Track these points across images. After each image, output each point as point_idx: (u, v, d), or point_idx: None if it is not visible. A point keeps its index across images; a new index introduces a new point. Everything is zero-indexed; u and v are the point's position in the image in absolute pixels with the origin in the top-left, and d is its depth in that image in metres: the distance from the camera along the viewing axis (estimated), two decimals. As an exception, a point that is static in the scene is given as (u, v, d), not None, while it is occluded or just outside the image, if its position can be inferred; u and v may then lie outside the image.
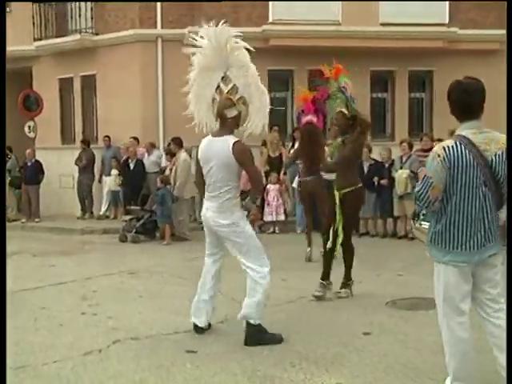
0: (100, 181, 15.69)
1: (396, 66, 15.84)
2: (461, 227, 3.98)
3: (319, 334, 5.70)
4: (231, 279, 8.14)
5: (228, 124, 5.63)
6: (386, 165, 12.01)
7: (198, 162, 5.93)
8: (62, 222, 14.74)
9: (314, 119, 9.28)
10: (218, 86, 5.92)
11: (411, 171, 11.02)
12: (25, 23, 16.56)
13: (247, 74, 6.00)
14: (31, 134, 15.79)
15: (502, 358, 3.93)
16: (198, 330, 5.82)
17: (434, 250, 4.10)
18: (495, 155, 3.91)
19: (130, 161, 14.07)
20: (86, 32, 16.11)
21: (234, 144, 5.45)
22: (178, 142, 12.32)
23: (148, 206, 12.48)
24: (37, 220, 14.99)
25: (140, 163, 14.02)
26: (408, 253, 9.76)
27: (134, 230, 11.98)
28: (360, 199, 7.31)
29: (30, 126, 15.77)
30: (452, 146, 3.91)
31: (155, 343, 5.56)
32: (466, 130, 3.97)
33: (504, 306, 4.00)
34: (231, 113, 5.60)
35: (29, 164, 15.15)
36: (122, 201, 14.48)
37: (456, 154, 3.89)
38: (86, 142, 15.68)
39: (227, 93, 5.76)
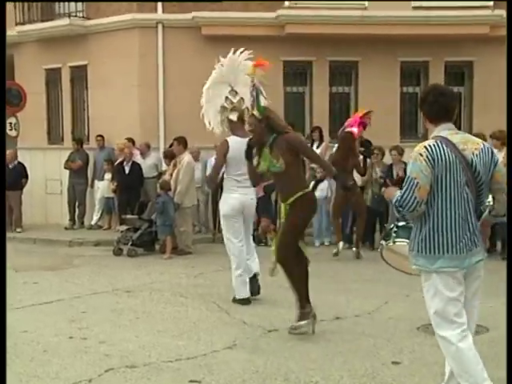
0: (92, 186, 15.76)
1: (430, 56, 15.81)
2: (448, 230, 4.25)
3: (341, 363, 5.69)
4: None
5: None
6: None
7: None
8: (47, 233, 14.83)
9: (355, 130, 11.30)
10: (227, 97, 8.19)
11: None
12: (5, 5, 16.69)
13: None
14: (13, 132, 15.85)
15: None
16: (246, 301, 7.99)
17: (422, 260, 4.32)
18: (473, 154, 4.29)
19: (125, 164, 14.11)
20: (75, 16, 16.18)
21: None
22: (182, 142, 12.33)
23: (146, 214, 12.52)
24: (18, 230, 15.09)
25: (137, 166, 14.06)
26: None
27: (131, 243, 12.01)
28: (310, 206, 6.83)
29: (11, 123, 15.83)
30: (434, 145, 4.26)
31: (154, 372, 5.56)
32: (443, 131, 4.36)
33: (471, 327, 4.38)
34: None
35: (10, 167, 15.20)
36: (117, 209, 14.53)
37: (439, 153, 4.23)
38: (78, 142, 15.76)
39: (236, 102, 8.13)
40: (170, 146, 13.17)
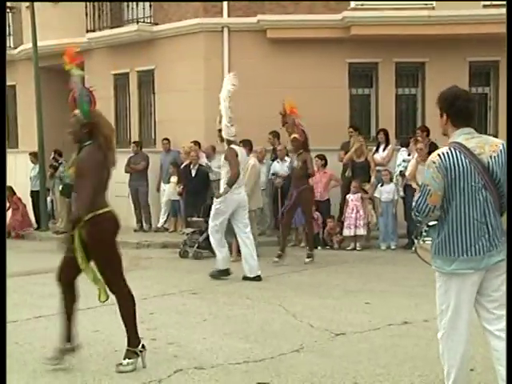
0: (158, 189, 15.94)
1: (500, 56, 15.46)
2: (464, 233, 4.39)
3: (411, 368, 5.61)
4: (307, 304, 8.22)
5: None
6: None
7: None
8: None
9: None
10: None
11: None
12: (76, 13, 17.03)
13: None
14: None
15: (503, 371, 4.34)
16: (259, 278, 9.84)
17: (439, 261, 4.49)
18: (491, 157, 4.39)
19: (191, 167, 14.21)
20: (143, 22, 16.44)
21: None
22: (247, 145, 12.39)
23: (212, 217, 12.57)
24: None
25: (203, 169, 14.14)
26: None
27: (197, 245, 12.11)
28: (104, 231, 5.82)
29: (80, 128, 16.11)
30: (447, 153, 4.39)
31: (222, 374, 5.60)
32: (460, 136, 4.47)
33: (504, 314, 4.40)
34: None
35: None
36: (183, 212, 14.65)
37: (452, 160, 4.36)
38: (138, 144, 15.95)
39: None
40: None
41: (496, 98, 15.94)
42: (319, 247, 13.17)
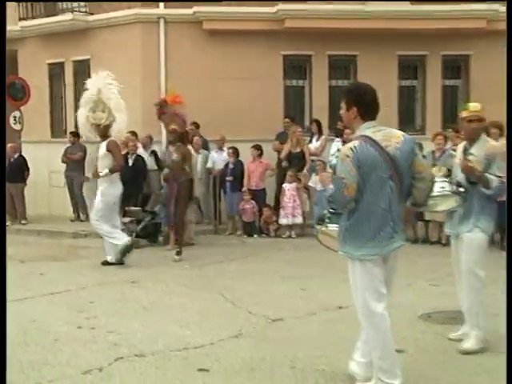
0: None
1: (427, 50, 15.79)
2: (372, 221, 4.58)
3: (345, 350, 5.66)
4: (245, 290, 8.25)
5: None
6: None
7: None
8: (52, 225, 14.82)
9: None
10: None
11: (448, 169, 10.97)
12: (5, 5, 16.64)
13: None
14: (17, 126, 15.87)
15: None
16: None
17: (348, 247, 4.69)
18: (396, 149, 4.57)
19: (129, 156, 14.07)
20: (78, 11, 16.16)
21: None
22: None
23: (149, 206, 12.52)
24: (23, 222, 15.08)
25: (141, 159, 14.01)
26: (442, 260, 9.72)
27: (135, 234, 12.00)
28: None
29: (15, 117, 15.85)
30: (358, 146, 4.53)
31: (162, 360, 5.58)
32: (367, 129, 4.64)
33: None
34: None
35: (11, 160, 15.20)
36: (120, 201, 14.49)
37: (363, 153, 4.50)
38: (75, 135, 15.70)
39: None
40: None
41: (423, 91, 16.24)
42: (255, 235, 13.24)
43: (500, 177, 5.67)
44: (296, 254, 11.29)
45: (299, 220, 13.09)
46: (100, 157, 10.36)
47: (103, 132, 10.44)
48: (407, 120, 16.03)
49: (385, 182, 4.54)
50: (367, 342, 4.83)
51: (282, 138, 14.09)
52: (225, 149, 14.06)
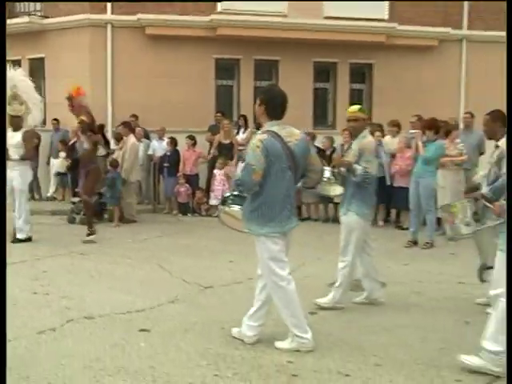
0: (48, 163, 15.43)
1: (338, 58, 16.03)
2: (275, 204, 4.75)
3: (266, 314, 5.76)
4: (180, 262, 8.25)
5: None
6: (328, 152, 12.22)
7: None
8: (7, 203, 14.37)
9: None
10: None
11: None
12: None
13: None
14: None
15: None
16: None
17: (254, 226, 4.81)
18: (295, 145, 4.76)
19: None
20: (34, 15, 15.69)
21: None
22: (127, 126, 12.24)
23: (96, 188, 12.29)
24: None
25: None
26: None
27: (83, 212, 11.81)
28: None
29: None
30: (267, 139, 4.68)
31: (109, 322, 5.55)
32: (274, 126, 4.77)
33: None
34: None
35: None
36: (70, 183, 14.26)
37: (270, 145, 4.65)
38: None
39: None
40: (117, 127, 13.02)
41: (334, 93, 16.47)
42: (189, 214, 13.22)
43: (366, 167, 5.82)
44: (224, 231, 11.22)
45: (227, 202, 13.07)
46: (14, 145, 9.59)
47: (18, 122, 9.80)
48: (321, 117, 16.28)
49: (285, 171, 4.72)
50: (262, 307, 5.03)
51: (213, 129, 14.08)
52: (165, 138, 13.96)
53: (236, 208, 5.04)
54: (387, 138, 11.69)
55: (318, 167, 5.10)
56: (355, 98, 16.48)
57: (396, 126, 11.64)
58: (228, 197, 5.26)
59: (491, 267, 4.71)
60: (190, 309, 6.02)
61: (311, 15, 14.97)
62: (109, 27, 15.05)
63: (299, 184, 5.08)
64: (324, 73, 16.56)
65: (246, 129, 14.13)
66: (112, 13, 15.05)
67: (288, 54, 15.54)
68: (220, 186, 13.00)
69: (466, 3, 16.28)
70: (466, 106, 15.24)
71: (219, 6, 15.05)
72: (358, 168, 5.84)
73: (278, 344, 4.91)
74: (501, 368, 4.24)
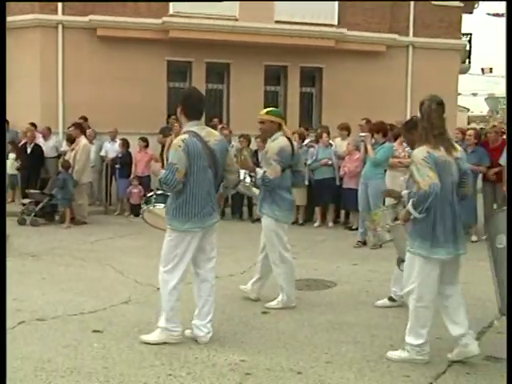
0: (-3, 164, 15.09)
1: (288, 62, 16.18)
2: (196, 201, 4.83)
3: (220, 313, 5.76)
4: (133, 263, 8.18)
5: None
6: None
7: None
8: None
9: None
10: None
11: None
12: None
13: None
14: None
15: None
16: None
17: (176, 222, 4.87)
18: (214, 144, 4.88)
19: (28, 145, 13.59)
20: (-17, 14, 15.33)
21: None
22: (79, 127, 12.07)
23: (47, 189, 12.09)
24: None
25: (38, 148, 13.57)
26: (302, 236, 10.02)
27: (33, 214, 11.61)
28: None
29: None
30: (188, 139, 4.77)
31: (61, 323, 5.47)
32: (193, 127, 4.87)
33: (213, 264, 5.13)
34: None
35: None
36: (20, 184, 13.98)
37: (191, 145, 4.75)
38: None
39: None
40: (69, 128, 12.82)
41: (285, 96, 16.62)
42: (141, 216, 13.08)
43: (265, 171, 5.84)
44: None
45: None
46: None
47: None
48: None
49: (206, 169, 4.82)
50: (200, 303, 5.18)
51: (164, 132, 13.98)
52: (117, 140, 13.81)
53: (160, 206, 5.13)
54: (337, 141, 11.83)
55: (233, 168, 5.26)
56: (305, 101, 16.69)
57: (345, 129, 11.77)
58: (151, 196, 5.36)
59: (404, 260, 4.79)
60: (143, 309, 5.98)
61: (262, 19, 15.08)
62: (60, 28, 14.84)
63: (220, 188, 5.16)
64: (275, 76, 16.69)
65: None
66: (63, 13, 14.86)
67: (239, 58, 15.60)
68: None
69: (411, 10, 16.64)
70: (412, 111, 15.58)
71: (171, 8, 15.00)
72: (259, 172, 5.92)
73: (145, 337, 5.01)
74: (426, 356, 4.55)
